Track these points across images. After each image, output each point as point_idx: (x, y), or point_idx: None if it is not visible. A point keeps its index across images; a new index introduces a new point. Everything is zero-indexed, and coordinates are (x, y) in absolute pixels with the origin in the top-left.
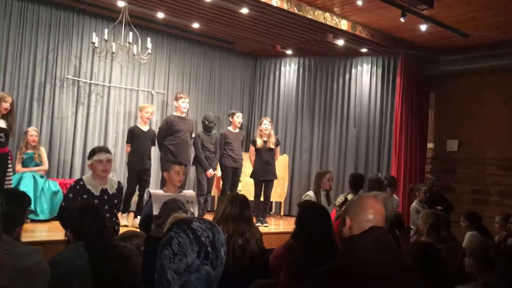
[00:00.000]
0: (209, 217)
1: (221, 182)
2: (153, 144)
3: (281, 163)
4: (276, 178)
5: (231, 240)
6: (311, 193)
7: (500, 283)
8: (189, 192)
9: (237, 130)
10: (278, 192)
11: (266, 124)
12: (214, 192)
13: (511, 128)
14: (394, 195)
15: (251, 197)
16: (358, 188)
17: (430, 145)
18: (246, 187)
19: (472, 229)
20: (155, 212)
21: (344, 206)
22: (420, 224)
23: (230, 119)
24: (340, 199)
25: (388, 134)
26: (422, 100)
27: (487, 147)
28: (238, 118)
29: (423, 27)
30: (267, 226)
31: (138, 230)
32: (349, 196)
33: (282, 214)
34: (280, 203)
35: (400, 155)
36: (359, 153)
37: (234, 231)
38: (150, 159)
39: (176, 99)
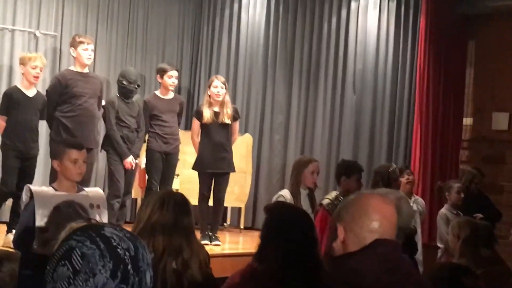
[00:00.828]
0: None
1: (146, 177)
2: (42, 118)
3: (242, 147)
4: (234, 170)
5: (161, 262)
6: (286, 192)
7: None
8: (95, 192)
9: (171, 96)
10: (237, 192)
11: (218, 87)
12: (137, 192)
13: None
14: (416, 196)
15: (194, 199)
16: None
17: (466, 121)
18: (186, 184)
19: None
20: (40, 222)
21: (336, 209)
22: (451, 239)
23: (159, 79)
24: (331, 196)
25: (406, 103)
26: (457, 52)
27: None
28: (172, 77)
29: None
30: (218, 245)
31: (12, 249)
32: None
33: (242, 226)
34: (240, 209)
35: (425, 136)
36: (360, 132)
37: (166, 249)
38: (37, 140)
39: (74, 45)
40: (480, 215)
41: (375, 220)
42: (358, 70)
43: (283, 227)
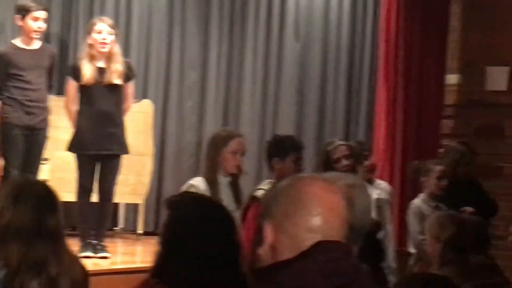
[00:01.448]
0: None
1: (1, 161)
2: None
3: (139, 119)
4: (127, 152)
5: (15, 281)
6: (199, 180)
7: None
8: None
9: (37, 46)
10: (132, 183)
11: (103, 33)
12: None
13: None
14: (379, 180)
15: (70, 193)
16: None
17: (451, 79)
18: (59, 172)
19: None
20: None
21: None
22: (428, 241)
23: (19, 22)
24: (266, 186)
25: (369, 54)
26: None
27: None
28: (39, 20)
29: None
30: (106, 257)
31: None
32: None
33: (140, 231)
34: (137, 207)
35: (393, 100)
36: (306, 96)
37: (22, 262)
38: None
39: None
40: (469, 209)
41: (317, 214)
42: (302, 7)
43: (191, 229)
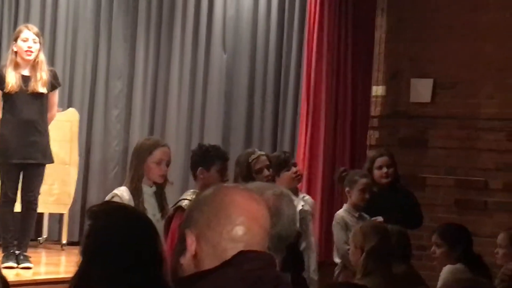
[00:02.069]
0: None
1: None
2: None
3: (64, 128)
4: (52, 161)
5: None
6: (123, 190)
7: None
8: None
9: None
10: (57, 193)
11: (29, 41)
12: None
13: None
14: (303, 193)
15: None
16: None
17: (377, 91)
18: None
19: (453, 258)
20: None
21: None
22: (352, 250)
23: None
24: (190, 196)
25: (296, 65)
26: None
27: (488, 93)
28: None
29: None
30: (29, 267)
31: None
32: None
33: (64, 241)
34: (61, 217)
35: (317, 111)
36: (233, 106)
37: None
38: None
39: None
40: (380, 218)
41: (240, 224)
42: (230, 17)
43: (112, 239)
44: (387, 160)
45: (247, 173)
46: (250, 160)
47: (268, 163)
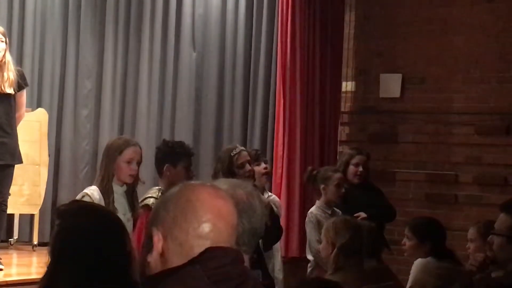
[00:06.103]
0: None
1: None
2: None
3: (33, 128)
4: (20, 162)
5: None
6: (93, 190)
7: None
8: None
9: None
10: (27, 193)
11: None
12: None
13: (500, 50)
14: (269, 193)
15: None
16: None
17: (347, 86)
18: None
19: (424, 252)
20: None
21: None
22: (323, 246)
23: None
24: (155, 194)
25: (265, 62)
26: None
27: (457, 88)
28: None
29: None
30: (0, 269)
31: None
32: None
33: (35, 242)
34: (32, 217)
35: (290, 107)
36: (203, 104)
37: None
38: None
39: None
40: (363, 214)
41: (206, 221)
42: (199, 16)
43: (80, 238)
44: (365, 160)
45: (228, 168)
46: (232, 155)
47: (249, 158)
